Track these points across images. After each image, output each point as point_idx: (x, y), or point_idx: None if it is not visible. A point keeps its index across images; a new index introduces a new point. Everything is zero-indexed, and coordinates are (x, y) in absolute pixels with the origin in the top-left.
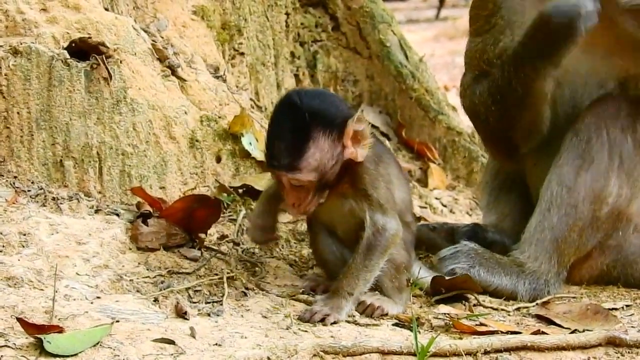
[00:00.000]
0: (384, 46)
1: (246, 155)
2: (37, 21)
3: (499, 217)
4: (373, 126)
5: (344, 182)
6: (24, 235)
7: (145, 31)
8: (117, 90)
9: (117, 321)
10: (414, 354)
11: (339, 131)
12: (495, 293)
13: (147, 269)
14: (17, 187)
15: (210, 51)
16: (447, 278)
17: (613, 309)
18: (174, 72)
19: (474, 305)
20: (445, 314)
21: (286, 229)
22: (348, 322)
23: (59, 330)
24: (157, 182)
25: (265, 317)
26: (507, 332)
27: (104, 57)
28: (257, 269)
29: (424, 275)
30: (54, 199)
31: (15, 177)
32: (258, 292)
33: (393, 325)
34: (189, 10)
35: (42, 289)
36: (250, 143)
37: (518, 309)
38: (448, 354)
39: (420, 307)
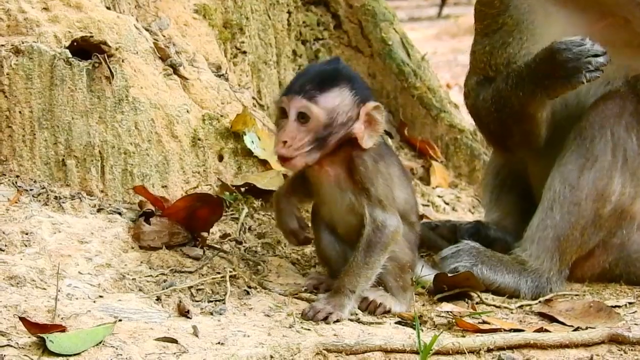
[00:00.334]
0: (386, 44)
1: (248, 153)
2: (39, 20)
3: (501, 215)
4: None
5: (342, 168)
6: (27, 234)
7: (147, 30)
8: (119, 89)
9: (120, 320)
10: (416, 352)
11: (360, 101)
12: (497, 291)
13: (150, 268)
14: (20, 187)
15: (212, 50)
16: (449, 275)
17: (616, 306)
18: (175, 71)
19: (477, 303)
20: (448, 312)
21: None
22: (351, 320)
23: (62, 329)
24: (159, 181)
25: (267, 315)
26: (510, 330)
27: (106, 56)
28: (259, 267)
29: (427, 273)
30: (56, 198)
31: (17, 176)
32: (260, 291)
33: (396, 323)
34: (191, 9)
35: (44, 288)
36: (253, 142)
37: (521, 306)
38: (451, 352)
39: (423, 305)
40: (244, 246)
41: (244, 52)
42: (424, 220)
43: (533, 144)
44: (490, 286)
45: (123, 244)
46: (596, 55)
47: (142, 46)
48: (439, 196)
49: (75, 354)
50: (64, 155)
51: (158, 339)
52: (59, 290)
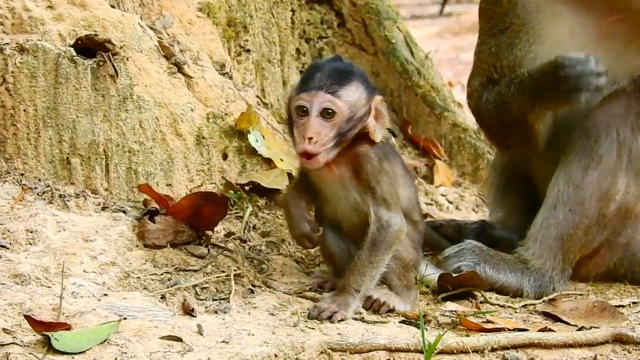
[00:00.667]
0: (390, 43)
1: (252, 152)
2: (44, 18)
3: (505, 214)
4: None
5: (348, 166)
6: (31, 232)
7: (151, 28)
8: (124, 87)
9: (125, 318)
10: (421, 352)
11: (370, 95)
12: (501, 290)
13: (154, 266)
14: (24, 185)
15: (216, 48)
16: (453, 275)
17: (620, 306)
18: (180, 69)
19: (481, 302)
20: (452, 311)
21: None
22: (355, 319)
23: (67, 327)
24: (163, 179)
25: (272, 314)
26: (514, 330)
27: (110, 55)
28: (264, 266)
29: (431, 272)
30: (60, 196)
31: (22, 174)
32: (265, 290)
33: (400, 322)
34: (195, 7)
35: (49, 287)
36: (257, 140)
37: (524, 306)
38: (455, 352)
39: (427, 304)
40: (248, 245)
41: (248, 51)
42: (428, 219)
43: (533, 146)
44: (493, 285)
45: (128, 242)
46: (598, 75)
47: (147, 44)
48: (442, 195)
49: (80, 352)
50: (68, 154)
51: (163, 338)
52: (64, 289)
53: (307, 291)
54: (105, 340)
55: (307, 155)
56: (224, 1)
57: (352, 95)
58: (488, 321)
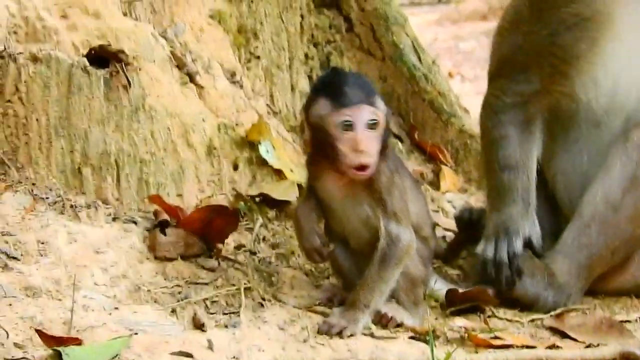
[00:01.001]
0: (397, 48)
1: (263, 162)
2: (57, 28)
3: None
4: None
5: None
6: (43, 243)
7: (163, 37)
8: (136, 97)
9: (136, 334)
10: None
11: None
12: (517, 298)
13: (165, 279)
14: (36, 195)
15: (227, 56)
16: (460, 291)
17: (626, 321)
18: (192, 79)
19: (489, 316)
20: (460, 326)
21: None
22: (364, 334)
23: (78, 342)
24: (174, 190)
25: (282, 329)
26: (523, 346)
27: (123, 65)
28: (273, 278)
29: (440, 287)
30: (72, 206)
31: (33, 184)
32: (275, 303)
33: (409, 338)
34: (206, 15)
35: (60, 299)
36: (267, 151)
37: (532, 320)
38: None
39: (436, 319)
40: (258, 257)
41: (258, 57)
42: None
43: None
44: (513, 292)
45: (139, 255)
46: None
47: (159, 54)
48: (448, 201)
49: None
50: (80, 163)
51: (173, 353)
52: (75, 302)
53: (316, 305)
54: (116, 356)
55: (361, 168)
56: (235, 8)
57: (383, 105)
58: (496, 337)
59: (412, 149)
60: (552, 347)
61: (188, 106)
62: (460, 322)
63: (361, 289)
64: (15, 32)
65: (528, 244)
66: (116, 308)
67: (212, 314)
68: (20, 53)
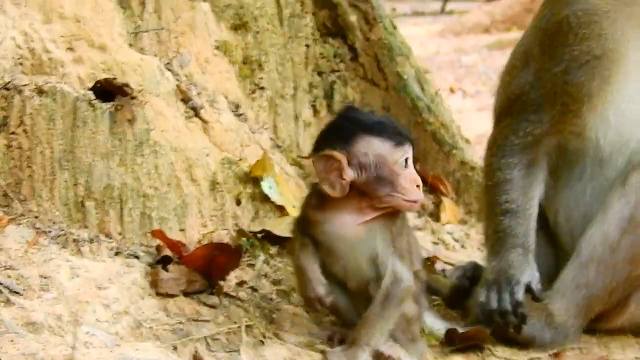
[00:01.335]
0: (401, 78)
1: (265, 198)
2: (63, 61)
3: None
4: None
5: (377, 219)
6: (45, 278)
7: (169, 69)
8: (141, 132)
9: None
10: None
11: None
12: (513, 339)
13: (167, 316)
14: (38, 228)
15: (232, 87)
16: (460, 331)
17: None
18: (196, 114)
19: (487, 355)
20: None
21: None
22: None
23: None
24: (177, 224)
25: None
26: None
27: (129, 99)
28: (274, 316)
29: (438, 326)
30: (74, 240)
31: (36, 217)
32: (275, 341)
33: None
34: (212, 46)
35: (62, 335)
36: (270, 187)
37: (531, 359)
38: None
39: (435, 358)
40: (259, 293)
41: (262, 88)
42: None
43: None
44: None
45: (141, 291)
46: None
47: (165, 88)
48: (448, 233)
49: None
50: (83, 197)
51: None
52: (77, 339)
53: (317, 344)
54: None
55: (417, 202)
56: (241, 38)
57: None
58: None
59: None
60: None
61: (192, 141)
62: None
63: (362, 328)
64: (21, 64)
65: (528, 289)
66: (118, 345)
67: (213, 351)
68: (26, 85)
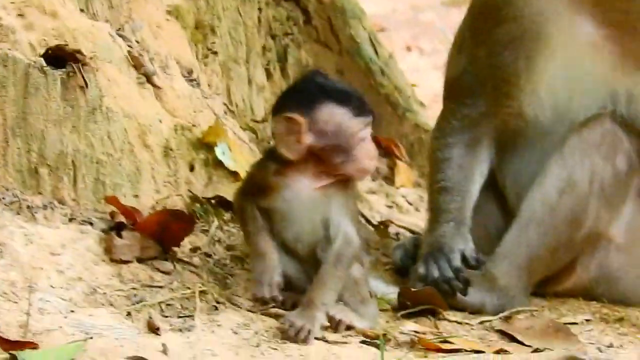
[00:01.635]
0: (355, 42)
1: (219, 164)
2: (14, 27)
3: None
4: None
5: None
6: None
7: (120, 35)
8: (93, 98)
9: (91, 338)
10: None
11: None
12: (463, 308)
13: (121, 282)
14: None
15: (184, 52)
16: (412, 290)
17: (573, 323)
18: (149, 80)
19: (439, 319)
20: (411, 330)
21: None
22: (317, 338)
23: (34, 346)
24: (130, 191)
25: (235, 332)
26: (471, 351)
27: (81, 65)
28: (228, 281)
29: (387, 290)
30: (28, 207)
31: None
32: (229, 307)
33: (361, 342)
34: (164, 11)
35: (16, 302)
36: (224, 153)
37: (482, 322)
38: None
39: (387, 321)
40: (213, 259)
41: (215, 52)
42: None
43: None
44: (456, 305)
45: (94, 257)
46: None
47: (117, 55)
48: (402, 196)
49: None
50: (36, 164)
51: (128, 358)
52: (31, 305)
53: (270, 308)
54: None
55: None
56: (193, 3)
57: None
58: (446, 341)
59: None
60: (500, 351)
61: (145, 107)
62: (411, 325)
63: (316, 289)
64: None
65: (463, 259)
66: (72, 311)
67: (166, 317)
68: None
